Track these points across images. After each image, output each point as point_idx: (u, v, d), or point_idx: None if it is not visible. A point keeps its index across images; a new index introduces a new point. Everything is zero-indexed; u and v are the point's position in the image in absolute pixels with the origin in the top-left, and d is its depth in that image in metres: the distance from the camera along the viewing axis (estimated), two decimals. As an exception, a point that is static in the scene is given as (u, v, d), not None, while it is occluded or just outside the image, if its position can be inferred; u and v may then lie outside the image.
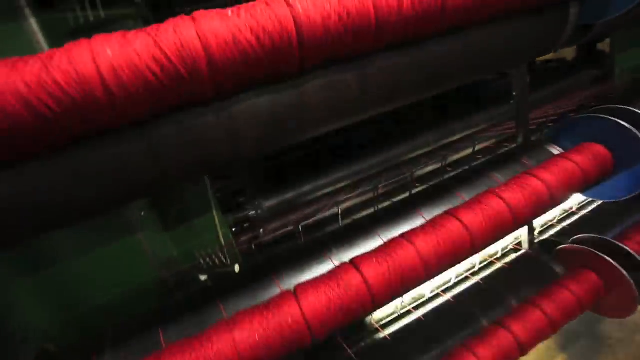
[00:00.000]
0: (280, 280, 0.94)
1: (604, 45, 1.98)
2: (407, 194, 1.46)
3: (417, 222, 1.05)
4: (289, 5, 0.53)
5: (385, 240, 1.00)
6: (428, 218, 1.04)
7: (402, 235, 0.85)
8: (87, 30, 0.96)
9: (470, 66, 0.85)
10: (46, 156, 0.53)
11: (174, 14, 1.19)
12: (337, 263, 0.98)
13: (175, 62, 0.47)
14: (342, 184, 1.54)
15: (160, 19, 1.13)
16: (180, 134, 0.59)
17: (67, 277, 0.95)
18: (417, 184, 1.53)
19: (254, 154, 0.72)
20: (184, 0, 1.18)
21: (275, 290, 0.91)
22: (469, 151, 1.62)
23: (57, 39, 0.90)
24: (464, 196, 1.04)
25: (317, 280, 0.78)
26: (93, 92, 0.45)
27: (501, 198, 0.89)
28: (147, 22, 1.05)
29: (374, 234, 1.03)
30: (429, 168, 1.64)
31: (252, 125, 0.65)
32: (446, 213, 0.89)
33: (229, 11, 0.51)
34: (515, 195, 0.89)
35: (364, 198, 1.56)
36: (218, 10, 0.52)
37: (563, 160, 0.95)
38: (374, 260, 0.79)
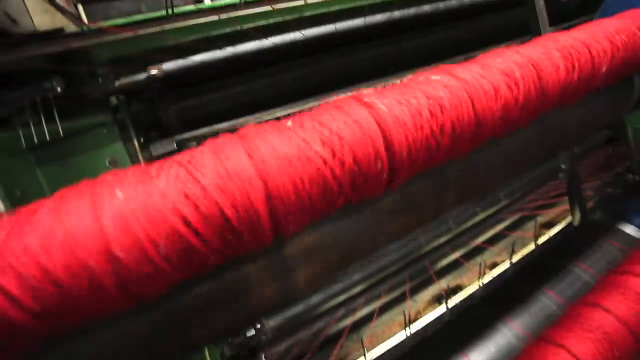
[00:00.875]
0: None
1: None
2: (444, 310, 1.18)
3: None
4: (378, 121, 0.36)
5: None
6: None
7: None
8: (49, 145, 0.78)
9: (548, 148, 0.71)
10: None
11: (157, 113, 1.05)
12: None
13: (222, 212, 0.28)
14: (359, 288, 1.24)
15: (139, 121, 0.97)
16: (214, 296, 0.39)
17: None
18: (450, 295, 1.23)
19: (309, 294, 0.52)
20: (176, 94, 1.05)
21: None
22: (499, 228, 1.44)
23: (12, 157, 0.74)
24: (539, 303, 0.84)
25: None
26: (94, 280, 0.25)
27: (606, 310, 0.70)
28: (124, 129, 0.89)
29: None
30: (452, 257, 1.39)
31: (312, 263, 0.46)
32: (542, 340, 0.67)
33: (293, 127, 0.34)
34: (622, 305, 0.70)
35: (389, 298, 1.29)
36: (271, 125, 0.35)
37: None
38: None
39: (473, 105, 0.41)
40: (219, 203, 0.28)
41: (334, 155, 0.32)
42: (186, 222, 0.27)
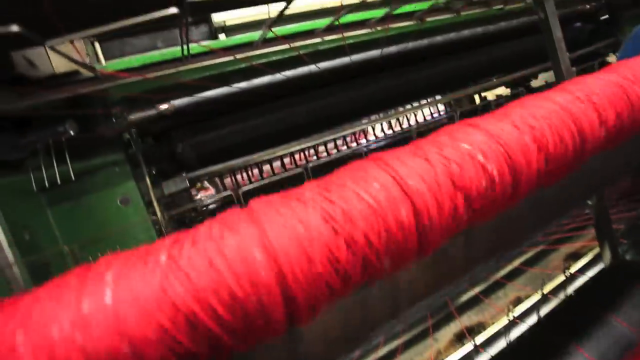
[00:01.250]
0: None
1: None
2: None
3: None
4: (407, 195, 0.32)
5: None
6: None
7: None
8: (61, 186, 0.77)
9: (583, 194, 0.67)
10: None
11: (169, 148, 1.04)
12: None
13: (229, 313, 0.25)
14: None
15: (151, 156, 0.95)
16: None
17: None
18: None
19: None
20: (189, 129, 1.03)
21: None
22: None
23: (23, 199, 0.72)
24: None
25: None
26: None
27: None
28: (136, 166, 0.87)
29: None
30: (470, 291, 1.32)
31: (328, 341, 0.42)
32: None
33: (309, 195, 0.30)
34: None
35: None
36: (282, 199, 0.31)
37: None
38: None
39: (513, 168, 0.37)
40: (233, 291, 0.25)
41: (357, 235, 0.29)
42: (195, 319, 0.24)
